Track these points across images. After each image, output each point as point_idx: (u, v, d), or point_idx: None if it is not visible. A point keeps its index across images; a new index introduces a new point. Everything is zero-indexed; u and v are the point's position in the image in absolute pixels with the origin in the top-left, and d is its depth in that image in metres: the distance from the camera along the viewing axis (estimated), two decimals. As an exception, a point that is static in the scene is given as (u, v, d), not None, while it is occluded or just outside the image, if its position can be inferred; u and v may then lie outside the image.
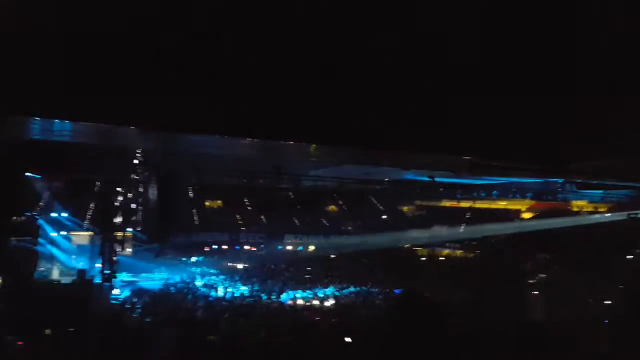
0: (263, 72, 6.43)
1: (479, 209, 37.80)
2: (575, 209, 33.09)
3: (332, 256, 30.84)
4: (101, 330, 10.36)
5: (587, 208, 32.82)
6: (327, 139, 7.86)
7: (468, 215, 37.43)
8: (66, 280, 14.08)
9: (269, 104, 6.62)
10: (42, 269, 15.82)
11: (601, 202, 28.90)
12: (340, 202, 40.34)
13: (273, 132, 7.23)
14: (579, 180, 15.95)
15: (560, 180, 16.98)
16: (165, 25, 5.03)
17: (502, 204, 40.42)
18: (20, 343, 8.08)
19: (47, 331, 9.28)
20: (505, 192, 39.05)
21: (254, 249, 31.57)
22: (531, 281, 23.99)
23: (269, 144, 9.51)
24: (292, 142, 8.84)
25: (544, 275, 25.15)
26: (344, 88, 6.80)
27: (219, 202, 37.41)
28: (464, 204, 38.29)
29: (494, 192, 39.36)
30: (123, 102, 5.96)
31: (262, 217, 35.18)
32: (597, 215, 30.96)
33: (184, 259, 26.15)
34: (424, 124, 7.49)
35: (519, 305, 16.91)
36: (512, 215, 38.09)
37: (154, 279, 19.73)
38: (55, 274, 15.66)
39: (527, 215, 37.63)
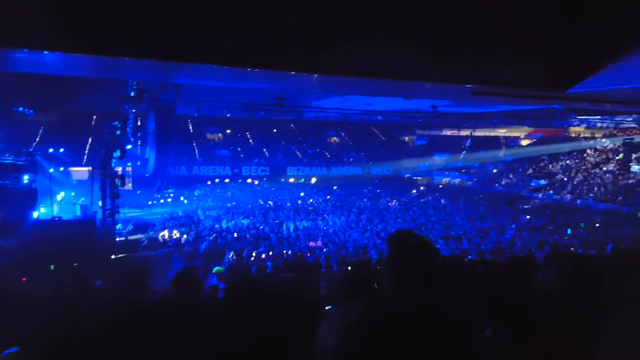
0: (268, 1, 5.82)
1: (478, 137, 37.55)
2: (573, 135, 32.93)
3: (335, 187, 31.04)
4: (105, 265, 10.51)
5: (584, 134, 32.66)
6: (330, 69, 7.41)
7: (468, 143, 37.18)
8: (67, 216, 14.09)
9: (273, 33, 6.07)
10: (41, 205, 15.85)
11: (598, 128, 28.77)
12: (343, 134, 39.86)
13: (276, 62, 6.74)
14: (578, 107, 15.75)
15: (560, 107, 16.80)
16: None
17: (501, 132, 40.23)
18: (24, 279, 8.13)
19: (51, 267, 9.35)
20: (504, 120, 38.61)
21: (256, 182, 31.70)
22: (526, 207, 24.47)
23: (271, 74, 9.01)
24: (294, 72, 8.36)
25: (537, 200, 25.53)
26: (347, 18, 6.23)
27: (220, 135, 37.03)
28: (465, 133, 37.97)
29: (494, 120, 38.95)
30: (119, 32, 5.43)
31: (265, 149, 34.96)
32: (593, 141, 30.94)
33: (185, 192, 26.29)
34: (427, 53, 7.06)
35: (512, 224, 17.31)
36: (510, 143, 37.91)
37: (156, 213, 19.88)
38: (55, 210, 15.65)
39: (525, 142, 37.61)
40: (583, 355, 1.79)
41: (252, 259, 12.43)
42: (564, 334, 1.87)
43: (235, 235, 15.16)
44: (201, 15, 5.66)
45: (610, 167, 26.67)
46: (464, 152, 36.58)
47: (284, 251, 13.07)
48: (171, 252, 13.29)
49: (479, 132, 38.18)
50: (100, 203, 13.75)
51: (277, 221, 18.13)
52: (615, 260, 2.76)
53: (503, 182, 30.86)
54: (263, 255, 12.55)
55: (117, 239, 13.57)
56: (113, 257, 11.57)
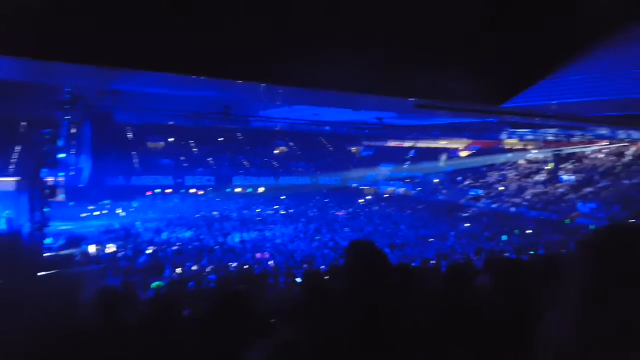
0: (215, 8, 5.68)
1: (421, 148, 38.94)
2: (507, 147, 34.93)
3: (283, 197, 30.84)
4: (32, 283, 9.67)
5: (518, 146, 34.75)
6: (277, 79, 7.41)
7: (412, 154, 38.52)
8: (-11, 230, 12.89)
9: (219, 42, 5.93)
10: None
11: (530, 140, 30.89)
12: (291, 144, 39.83)
13: (221, 70, 6.60)
14: (512, 120, 16.92)
15: (496, 120, 17.88)
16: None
17: (442, 143, 41.84)
18: None
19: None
20: (445, 132, 40.23)
21: (201, 192, 30.77)
22: (465, 215, 25.72)
23: (217, 82, 8.82)
24: (241, 82, 8.24)
25: (476, 209, 26.92)
26: (297, 28, 6.25)
27: (162, 143, 35.65)
28: (408, 144, 39.24)
29: (436, 132, 40.45)
30: (51, 35, 5.03)
31: (210, 159, 34.09)
32: (526, 153, 33.04)
33: (123, 204, 24.79)
34: (372, 67, 7.29)
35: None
36: (451, 154, 39.52)
37: (91, 226, 18.66)
38: (-25, 225, 14.24)
39: (464, 154, 39.21)
40: (518, 356, 1.84)
41: (195, 272, 11.98)
42: (499, 335, 1.92)
43: (176, 247, 14.56)
44: (142, 21, 5.43)
45: (541, 177, 28.63)
46: (408, 162, 37.79)
47: (230, 263, 12.71)
48: (106, 268, 12.49)
49: (422, 144, 39.61)
50: (28, 216, 12.70)
51: (222, 232, 17.66)
52: (545, 265, 2.91)
53: (444, 192, 32.16)
54: (208, 269, 12.12)
55: (46, 255, 12.55)
56: (41, 274, 10.68)
